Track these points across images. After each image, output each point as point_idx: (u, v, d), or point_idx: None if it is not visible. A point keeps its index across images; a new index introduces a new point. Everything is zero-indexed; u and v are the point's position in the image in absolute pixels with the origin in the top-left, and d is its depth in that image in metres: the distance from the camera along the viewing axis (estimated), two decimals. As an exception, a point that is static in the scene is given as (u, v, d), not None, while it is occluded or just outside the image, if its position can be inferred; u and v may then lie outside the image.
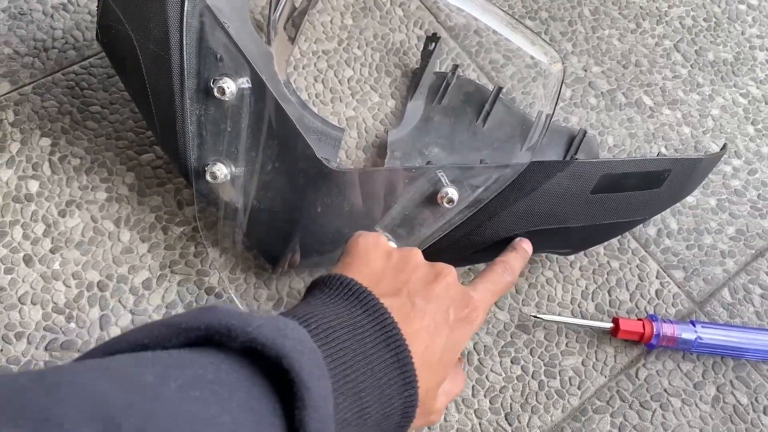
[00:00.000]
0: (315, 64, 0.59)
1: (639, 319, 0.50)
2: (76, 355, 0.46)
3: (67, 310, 0.47)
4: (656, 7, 0.67)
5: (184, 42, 0.42)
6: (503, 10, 0.47)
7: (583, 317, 0.52)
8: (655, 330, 0.49)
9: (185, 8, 0.41)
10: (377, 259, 0.37)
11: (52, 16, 0.58)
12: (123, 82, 0.48)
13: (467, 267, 0.52)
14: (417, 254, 0.38)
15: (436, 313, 0.35)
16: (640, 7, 0.67)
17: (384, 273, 0.36)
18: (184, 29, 0.41)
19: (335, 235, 0.47)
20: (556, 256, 0.53)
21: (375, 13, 0.63)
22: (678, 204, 0.56)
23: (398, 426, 0.33)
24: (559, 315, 0.51)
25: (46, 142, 0.53)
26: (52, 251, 0.49)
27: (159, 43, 0.41)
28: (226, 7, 0.49)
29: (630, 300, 0.53)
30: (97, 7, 0.44)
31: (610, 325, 0.50)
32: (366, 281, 0.34)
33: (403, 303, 0.34)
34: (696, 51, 0.65)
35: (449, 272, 0.38)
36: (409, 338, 0.33)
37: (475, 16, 0.46)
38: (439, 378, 0.35)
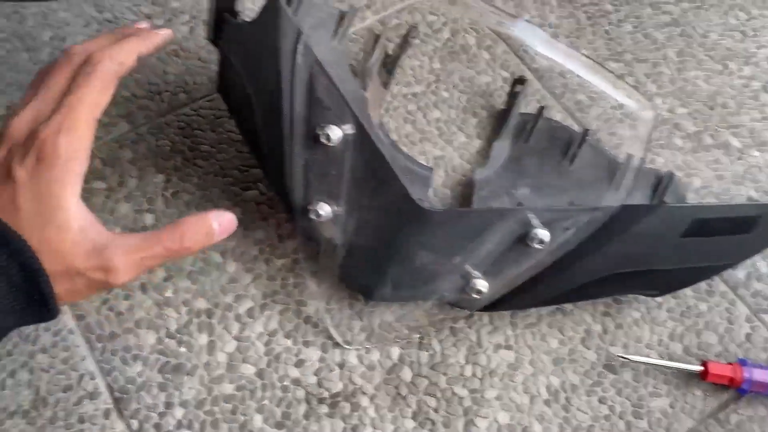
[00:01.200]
0: (405, 106, 0.62)
1: (729, 363, 0.50)
2: (186, 378, 0.49)
3: (178, 335, 0.51)
4: (744, 48, 0.67)
5: (295, 93, 0.45)
6: (587, 56, 0.49)
7: (670, 359, 0.52)
8: (746, 375, 0.49)
9: (297, 62, 0.44)
10: None
11: (165, 62, 0.63)
12: (238, 127, 0.52)
13: (555, 307, 0.53)
14: None
15: None
16: (727, 49, 0.67)
17: None
18: (296, 81, 0.45)
19: (426, 270, 0.49)
20: (643, 297, 0.54)
21: (462, 56, 0.66)
22: (768, 247, 0.56)
23: (29, 291, 0.37)
24: (647, 356, 0.52)
25: (160, 178, 0.57)
26: (165, 280, 0.53)
27: (272, 94, 0.45)
28: (329, 57, 0.53)
29: (719, 343, 0.52)
30: (218, 60, 0.48)
31: (699, 368, 0.50)
32: None
33: None
34: (786, 92, 0.65)
35: (4, 140, 0.39)
36: None
37: (564, 64, 0.48)
38: (55, 224, 0.37)
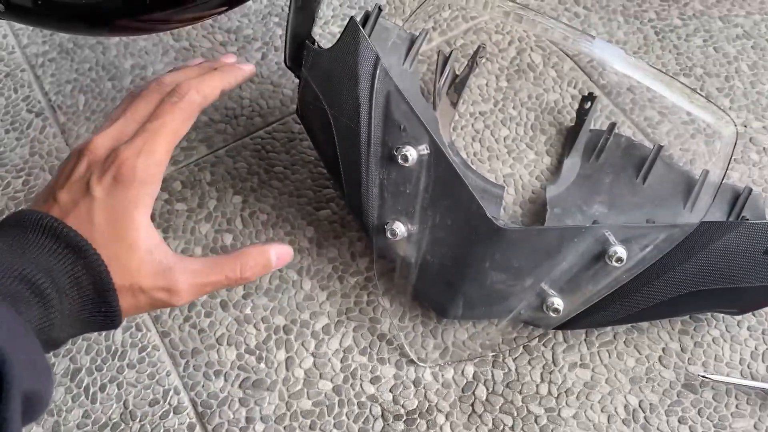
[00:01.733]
0: (472, 125, 0.63)
1: (817, 384, 0.48)
2: (266, 393, 0.51)
3: (258, 351, 0.52)
4: (820, 59, 0.66)
5: (373, 116, 0.46)
6: (665, 72, 0.49)
7: (753, 379, 0.51)
8: (836, 396, 0.47)
9: (375, 87, 0.46)
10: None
11: (240, 87, 0.66)
12: (316, 149, 0.53)
13: (631, 325, 0.52)
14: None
15: (76, 192, 0.39)
16: (803, 60, 0.66)
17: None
18: (373, 105, 0.46)
19: (501, 289, 0.50)
20: (722, 315, 0.53)
21: (529, 74, 0.66)
22: None
23: (98, 302, 0.38)
24: (728, 375, 0.51)
25: (238, 199, 0.59)
26: (244, 297, 0.55)
27: (351, 117, 0.47)
28: (400, 79, 0.54)
29: (805, 363, 0.51)
30: (299, 86, 0.50)
31: (785, 388, 0.48)
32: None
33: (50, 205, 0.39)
34: None
35: (86, 154, 0.41)
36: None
37: (644, 81, 0.48)
38: (126, 242, 0.39)
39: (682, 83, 0.47)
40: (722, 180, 0.47)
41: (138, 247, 0.39)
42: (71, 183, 0.40)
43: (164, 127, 0.42)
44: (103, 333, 0.53)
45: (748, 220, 0.49)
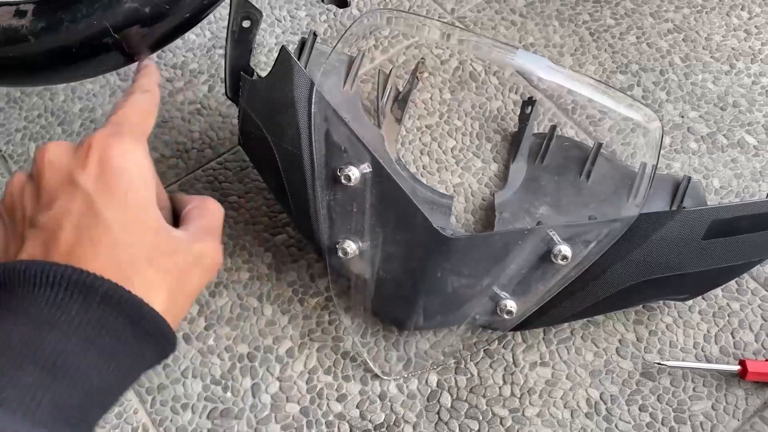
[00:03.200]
0: (420, 138, 0.65)
1: (767, 360, 0.50)
2: (234, 422, 0.51)
3: (223, 381, 0.53)
4: (749, 47, 0.68)
5: (313, 140, 0.48)
6: (592, 77, 0.51)
7: (708, 361, 0.52)
8: (785, 370, 0.49)
9: (312, 111, 0.47)
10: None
11: (189, 121, 0.67)
12: (262, 177, 0.54)
13: (586, 319, 0.54)
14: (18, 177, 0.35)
15: (59, 202, 0.33)
16: (732, 49, 0.68)
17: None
18: (313, 129, 0.47)
19: (455, 296, 0.51)
20: (673, 302, 0.54)
21: (471, 84, 0.68)
22: (795, 240, 0.56)
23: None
24: (683, 360, 0.52)
25: (193, 232, 0.60)
26: (206, 329, 0.55)
27: (292, 143, 0.48)
28: (342, 101, 0.56)
29: (756, 341, 0.53)
30: (238, 117, 0.51)
31: (737, 367, 0.50)
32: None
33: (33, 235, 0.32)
34: (796, 85, 0.65)
35: (44, 159, 0.34)
36: (35, 234, 0.32)
37: (567, 87, 0.50)
38: (132, 240, 0.33)
39: (607, 84, 0.49)
40: (654, 171, 0.49)
41: (159, 228, 0.35)
42: (47, 195, 0.33)
43: (126, 115, 0.38)
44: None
45: (685, 208, 0.50)
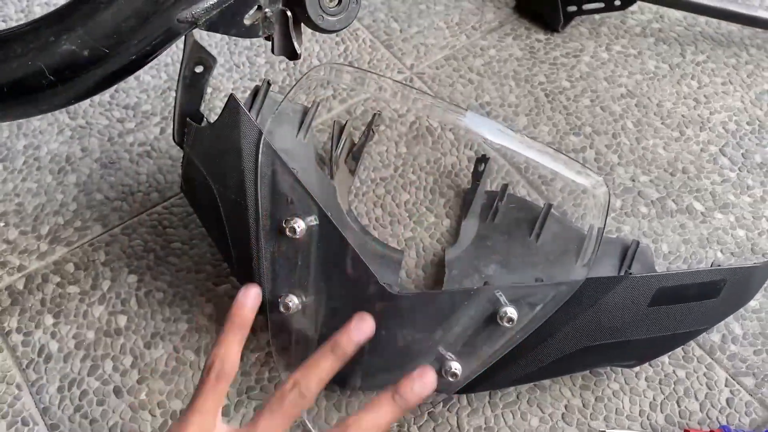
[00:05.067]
0: (374, 190, 0.64)
1: (711, 431, 0.49)
2: (162, 483, 0.48)
3: (153, 439, 0.50)
4: (698, 115, 0.70)
5: (259, 189, 0.46)
6: (541, 142, 0.51)
7: (653, 430, 0.51)
8: (729, 442, 0.48)
9: (259, 160, 0.46)
10: None
11: (137, 163, 0.65)
12: (203, 225, 0.53)
13: (532, 384, 0.53)
14: None
15: None
16: (682, 116, 0.70)
17: None
18: (259, 178, 0.46)
19: (400, 355, 0.49)
20: (621, 368, 0.54)
21: (427, 139, 0.68)
22: (741, 309, 0.56)
23: None
24: (629, 429, 0.51)
25: (133, 278, 0.57)
26: (138, 382, 0.52)
27: (236, 192, 0.46)
28: (294, 150, 0.55)
29: (700, 410, 0.52)
30: (182, 163, 0.50)
31: (682, 438, 0.49)
32: None
33: None
34: (743, 154, 0.67)
35: None
36: None
37: (517, 151, 0.50)
38: None
39: (555, 148, 0.49)
40: (601, 235, 0.49)
41: None
42: None
43: None
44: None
45: (632, 274, 0.50)
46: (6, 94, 0.36)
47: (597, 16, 0.78)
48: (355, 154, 0.63)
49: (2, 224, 0.61)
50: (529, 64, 0.74)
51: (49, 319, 0.56)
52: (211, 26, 0.39)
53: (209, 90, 0.61)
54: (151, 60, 0.39)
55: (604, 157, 0.67)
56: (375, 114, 0.64)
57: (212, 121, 0.49)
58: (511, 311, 0.47)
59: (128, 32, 0.36)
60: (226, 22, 0.40)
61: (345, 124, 0.64)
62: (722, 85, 0.72)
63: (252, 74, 0.72)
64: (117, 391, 0.52)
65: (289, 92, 0.48)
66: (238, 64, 0.73)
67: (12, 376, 0.53)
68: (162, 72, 0.72)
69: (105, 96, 0.70)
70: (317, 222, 0.48)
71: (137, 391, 0.52)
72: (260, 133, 0.46)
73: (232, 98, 0.46)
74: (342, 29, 0.43)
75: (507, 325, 0.47)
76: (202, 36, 0.68)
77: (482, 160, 0.63)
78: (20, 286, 0.57)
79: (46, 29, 0.36)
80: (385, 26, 0.77)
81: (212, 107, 0.69)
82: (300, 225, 0.47)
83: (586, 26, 0.78)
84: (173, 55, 0.73)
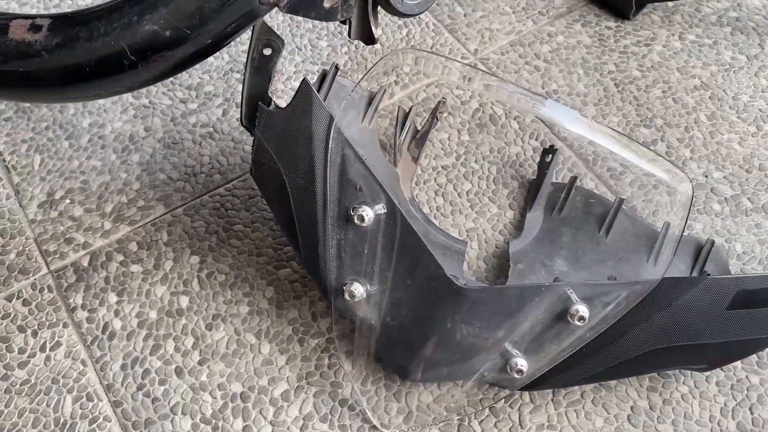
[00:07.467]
0: (435, 179, 0.63)
1: (788, 442, 0.47)
2: (222, 465, 0.48)
3: (214, 421, 0.50)
4: (777, 109, 0.67)
5: (328, 175, 0.46)
6: (620, 131, 0.49)
7: (724, 437, 0.49)
8: (807, 454, 0.46)
9: (329, 146, 0.45)
10: None
11: (200, 144, 0.65)
12: (271, 209, 0.52)
13: (598, 383, 0.51)
14: None
15: None
16: (759, 110, 0.67)
17: None
18: (329, 164, 0.45)
19: (464, 349, 0.48)
20: (690, 371, 0.52)
21: (490, 128, 0.66)
22: (820, 315, 0.54)
23: None
24: (698, 434, 0.49)
25: (195, 259, 0.58)
26: (200, 363, 0.53)
27: (306, 178, 0.46)
28: (359, 137, 0.54)
29: (775, 419, 0.50)
30: (252, 146, 0.49)
31: (756, 447, 0.47)
32: None
33: None
34: (824, 152, 0.64)
35: None
36: None
37: (601, 144, 0.48)
38: None
39: (638, 142, 0.47)
40: (681, 235, 0.47)
41: None
42: None
43: None
44: (52, 403, 0.51)
45: (709, 274, 0.48)
46: (88, 73, 0.36)
47: (670, 4, 0.75)
48: (419, 141, 0.62)
49: (68, 201, 0.61)
50: (599, 52, 0.71)
51: (112, 297, 0.56)
52: (291, 8, 0.39)
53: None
54: (229, 43, 0.39)
55: (676, 151, 0.64)
56: (440, 101, 0.63)
57: (282, 106, 0.48)
58: (583, 309, 0.45)
59: (211, 13, 0.36)
60: (306, 4, 0.39)
61: (409, 111, 0.62)
62: (803, 78, 0.69)
63: (314, 57, 0.71)
64: (178, 372, 0.52)
65: (362, 78, 0.47)
66: (300, 47, 0.72)
67: (77, 351, 0.54)
68: (224, 53, 0.72)
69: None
70: (385, 210, 0.47)
71: (198, 373, 0.52)
72: (331, 119, 0.46)
73: (304, 83, 0.46)
74: (421, 13, 0.41)
75: (578, 323, 0.46)
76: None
77: (549, 151, 0.61)
78: (85, 263, 0.58)
79: (130, 9, 0.35)
80: (449, 10, 0.75)
81: (273, 90, 0.68)
82: (368, 213, 0.46)
83: (659, 14, 0.75)
84: (235, 36, 0.73)
